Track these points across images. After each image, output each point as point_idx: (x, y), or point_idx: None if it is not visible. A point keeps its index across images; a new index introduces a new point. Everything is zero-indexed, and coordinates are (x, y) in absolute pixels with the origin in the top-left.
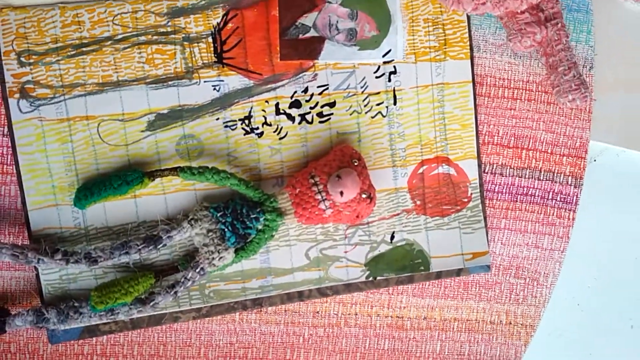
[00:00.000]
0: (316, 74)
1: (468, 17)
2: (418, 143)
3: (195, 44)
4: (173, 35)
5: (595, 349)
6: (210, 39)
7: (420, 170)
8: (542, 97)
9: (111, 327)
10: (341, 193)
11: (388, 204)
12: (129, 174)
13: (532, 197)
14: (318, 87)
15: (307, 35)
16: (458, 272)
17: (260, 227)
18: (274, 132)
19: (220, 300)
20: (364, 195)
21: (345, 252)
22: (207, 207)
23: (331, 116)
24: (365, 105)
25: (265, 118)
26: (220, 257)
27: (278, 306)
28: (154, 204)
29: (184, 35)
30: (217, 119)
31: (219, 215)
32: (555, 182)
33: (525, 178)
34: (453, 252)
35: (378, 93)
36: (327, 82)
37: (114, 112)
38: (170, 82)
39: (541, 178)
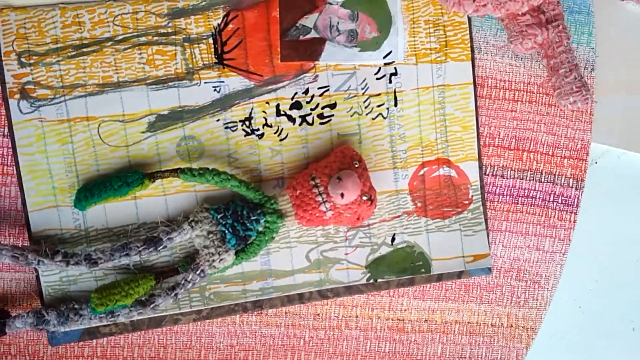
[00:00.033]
0: (317, 75)
1: (469, 19)
2: (419, 145)
3: (196, 45)
4: (174, 36)
5: (596, 352)
6: (210, 40)
7: (421, 172)
8: (543, 99)
9: (111, 329)
10: (342, 195)
11: (389, 206)
12: (130, 175)
13: (533, 199)
14: (319, 88)
15: (308, 36)
16: (459, 275)
17: (260, 228)
18: (275, 133)
19: (221, 302)
20: (364, 197)
21: (346, 254)
22: (207, 209)
23: (332, 118)
24: (366, 107)
25: (266, 119)
26: (221, 259)
27: (278, 308)
28: (154, 205)
29: (184, 36)
30: (218, 120)
31: (219, 217)
32: (557, 184)
33: (526, 180)
34: (454, 255)
35: (379, 94)
36: (328, 83)
37: (114, 113)
38: (170, 83)
39: (542, 180)
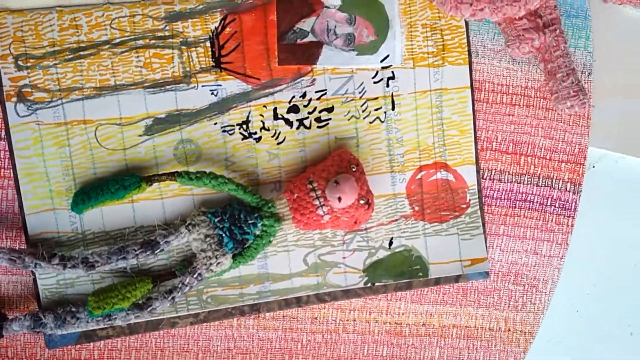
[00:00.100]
0: (314, 79)
1: (466, 23)
2: (416, 149)
3: (193, 48)
4: (171, 40)
5: (594, 356)
6: (208, 44)
7: (419, 176)
8: (540, 103)
9: (108, 332)
10: (339, 199)
11: (386, 210)
12: (127, 179)
13: (531, 203)
14: (316, 92)
15: (305, 40)
16: (457, 279)
17: (258, 232)
18: (272, 137)
19: (218, 305)
20: (362, 201)
21: (344, 257)
22: (204, 212)
23: (329, 121)
24: (363, 111)
25: (263, 123)
26: (218, 263)
27: (276, 312)
28: (151, 208)
29: (181, 39)
30: (215, 123)
31: (216, 220)
32: (554, 188)
33: (523, 184)
34: (451, 259)
35: (376, 98)
36: (325, 87)
37: (111, 117)
38: (168, 87)
39: (540, 184)
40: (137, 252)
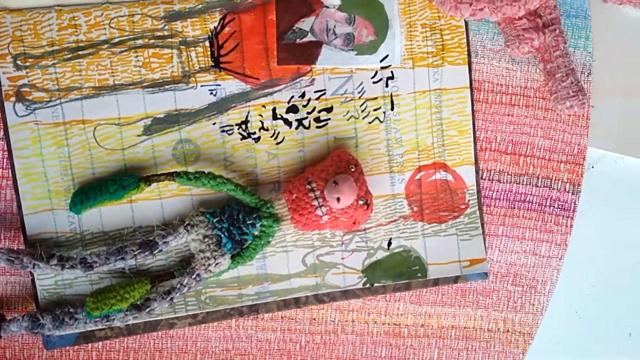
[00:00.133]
0: (313, 79)
1: (466, 23)
2: (415, 149)
3: (192, 48)
4: (170, 39)
5: (593, 357)
6: (207, 43)
7: (418, 177)
8: (539, 104)
9: (107, 333)
10: (338, 199)
11: (385, 210)
12: (125, 179)
13: (530, 203)
14: (315, 92)
15: (305, 39)
16: (455, 279)
17: (256, 233)
18: (271, 137)
19: (217, 306)
20: (360, 202)
21: (342, 258)
22: (203, 213)
23: (328, 121)
24: (362, 111)
25: (262, 123)
26: (217, 263)
27: (274, 313)
28: (150, 209)
29: (181, 39)
30: (214, 123)
31: (215, 220)
32: (553, 188)
33: (522, 184)
34: (450, 259)
35: (375, 98)
36: (325, 87)
37: (110, 116)
38: (167, 86)
39: (539, 185)
40: (136, 253)
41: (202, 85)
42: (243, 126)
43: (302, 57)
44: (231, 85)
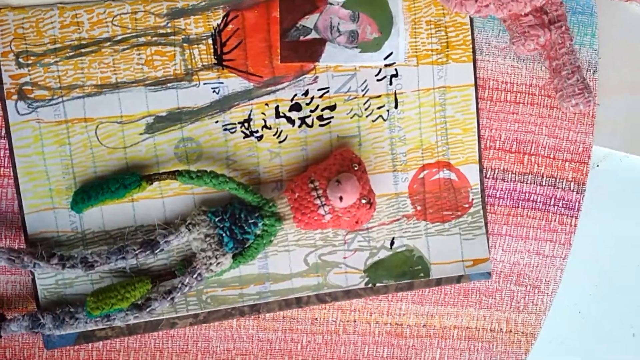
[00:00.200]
0: (317, 77)
1: (471, 20)
2: (419, 147)
3: (195, 46)
4: (173, 37)
5: (596, 357)
6: (210, 41)
7: (421, 175)
8: (545, 101)
9: (107, 333)
10: (340, 198)
11: (388, 209)
12: (127, 178)
13: (534, 203)
14: (318, 90)
15: (308, 37)
16: (458, 279)
17: (258, 232)
18: (274, 135)
19: (218, 306)
20: (363, 201)
21: (345, 258)
22: (205, 212)
23: (331, 119)
24: (366, 109)
25: (265, 121)
26: (218, 263)
27: (276, 312)
28: (151, 208)
29: (183, 36)
30: (217, 122)
31: (217, 220)
32: (558, 187)
33: (527, 183)
34: (453, 259)
35: (379, 96)
36: (328, 84)
37: (112, 115)
38: (169, 84)
39: (543, 184)
40: (137, 252)
41: (204, 83)
42: (246, 124)
43: (306, 54)
44: (234, 83)
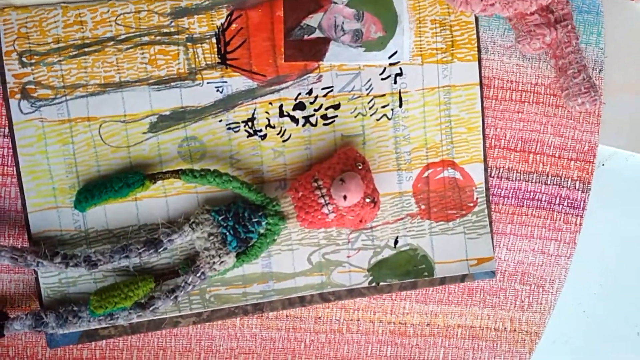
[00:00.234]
0: (321, 76)
1: (476, 19)
2: (423, 146)
3: (199, 45)
4: (176, 36)
5: (600, 357)
6: (214, 40)
7: (426, 174)
8: (550, 100)
9: (110, 332)
10: (344, 197)
11: (392, 208)
12: (130, 176)
13: (539, 202)
14: (322, 89)
15: (312, 36)
16: (462, 278)
17: (262, 231)
18: (278, 134)
19: (221, 305)
20: (367, 200)
21: (348, 256)
22: (208, 211)
23: (335, 118)
24: (370, 108)
25: (269, 120)
26: (222, 262)
27: (279, 311)
28: (155, 206)
29: (187, 35)
30: (220, 120)
31: (220, 218)
32: (563, 186)
33: (532, 182)
34: (458, 258)
35: (383, 95)
36: (332, 83)
37: (115, 114)
38: (173, 83)
39: (548, 183)
40: (140, 251)
41: (208, 82)
42: (249, 123)
43: (310, 53)
44: (238, 82)
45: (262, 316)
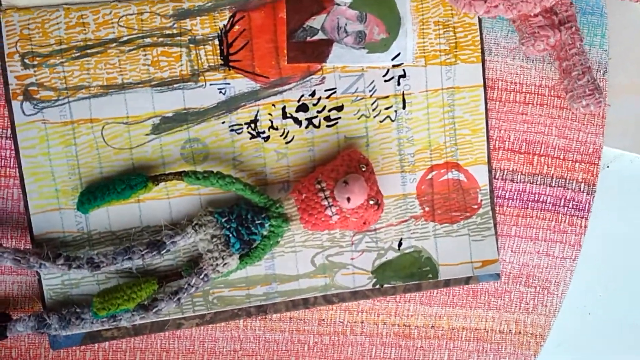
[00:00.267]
0: (324, 77)
1: (479, 20)
2: (427, 148)
3: (202, 46)
4: (179, 38)
5: (605, 359)
6: (216, 41)
7: (430, 176)
8: (554, 102)
9: (113, 333)
10: (348, 199)
11: (396, 210)
12: (133, 178)
13: (544, 204)
14: (325, 90)
15: (315, 37)
16: (467, 280)
17: (265, 233)
18: (281, 136)
19: (224, 306)
20: (371, 202)
21: (352, 258)
22: (211, 213)
23: (339, 120)
24: (373, 109)
25: (272, 122)
26: (225, 264)
27: (283, 313)
28: (158, 208)
29: (190, 37)
30: (223, 122)
31: (223, 220)
32: (568, 188)
33: (536, 184)
34: (462, 260)
35: (387, 97)
36: (335, 85)
37: (118, 115)
38: (175, 85)
39: (553, 184)
40: (143, 253)
41: (211, 84)
42: (252, 125)
43: (313, 55)
44: (240, 84)
45: (265, 318)
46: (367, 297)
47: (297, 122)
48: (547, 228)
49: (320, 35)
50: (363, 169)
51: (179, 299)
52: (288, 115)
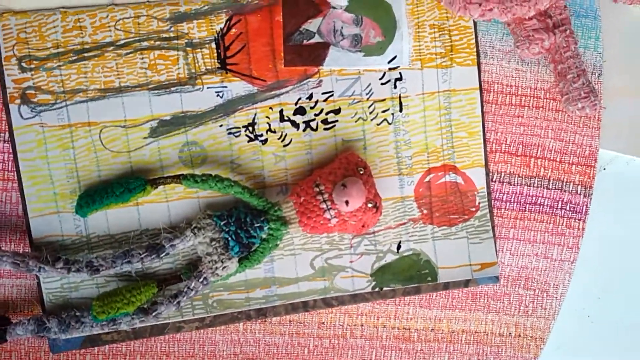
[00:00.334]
0: (321, 80)
1: (475, 23)
2: (424, 151)
3: (199, 50)
4: (176, 41)
5: None
6: (213, 45)
7: (427, 179)
8: (550, 105)
9: (113, 337)
10: (346, 202)
11: (394, 213)
12: (131, 182)
13: (541, 206)
14: (323, 93)
15: (312, 41)
16: (466, 283)
17: (264, 236)
18: (278, 139)
19: (224, 310)
20: (369, 205)
21: (351, 261)
22: (210, 216)
23: (336, 123)
24: (370, 112)
25: (269, 125)
26: (224, 267)
27: (282, 316)
28: (156, 212)
29: (187, 40)
30: (221, 125)
31: (222, 224)
32: (565, 191)
33: (533, 187)
34: (461, 263)
35: (384, 100)
36: (332, 88)
37: (116, 119)
38: (173, 88)
39: (550, 187)
40: (142, 256)
41: (208, 87)
42: (250, 128)
43: (309, 58)
44: (238, 87)
45: (265, 321)
46: (366, 300)
47: (295, 125)
48: (545, 230)
49: (316, 39)
50: (361, 172)
51: (178, 303)
52: (285, 118)
